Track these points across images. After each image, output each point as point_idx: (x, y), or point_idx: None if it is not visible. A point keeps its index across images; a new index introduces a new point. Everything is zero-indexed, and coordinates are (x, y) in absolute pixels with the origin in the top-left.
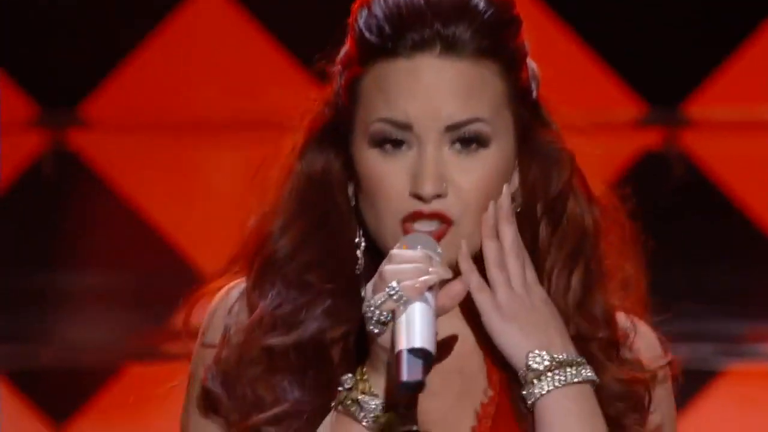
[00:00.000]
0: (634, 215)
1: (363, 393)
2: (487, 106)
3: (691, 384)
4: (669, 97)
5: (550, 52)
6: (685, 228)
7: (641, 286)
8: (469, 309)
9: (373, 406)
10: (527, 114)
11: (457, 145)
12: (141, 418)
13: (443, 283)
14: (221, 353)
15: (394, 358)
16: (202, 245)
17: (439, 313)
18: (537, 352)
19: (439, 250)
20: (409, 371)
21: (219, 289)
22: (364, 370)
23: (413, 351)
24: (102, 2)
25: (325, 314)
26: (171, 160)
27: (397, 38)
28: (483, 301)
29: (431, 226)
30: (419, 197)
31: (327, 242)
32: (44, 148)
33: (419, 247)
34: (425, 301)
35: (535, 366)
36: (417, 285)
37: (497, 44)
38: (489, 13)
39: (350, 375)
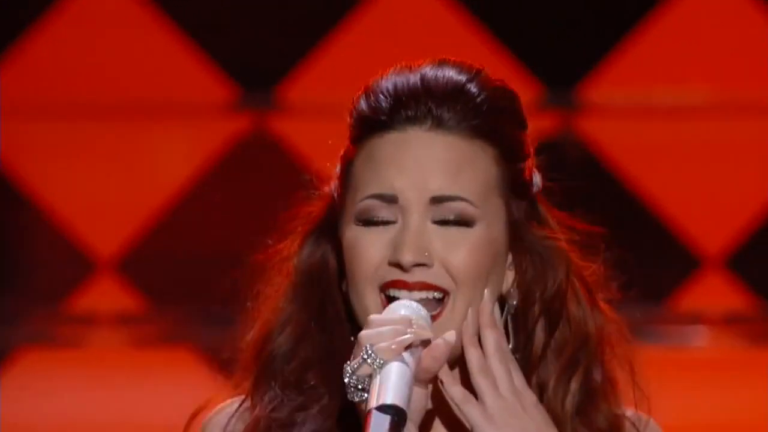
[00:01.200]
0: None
1: None
2: (476, 186)
3: None
4: (565, 80)
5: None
6: (579, 214)
7: (644, 391)
8: (459, 416)
9: None
10: (522, 209)
11: (440, 223)
12: (35, 402)
13: (427, 345)
14: None
15: (364, 421)
16: (95, 228)
17: (423, 375)
18: None
19: (423, 312)
20: (374, 427)
21: (218, 403)
22: None
23: (382, 408)
24: None
25: (322, 414)
26: (64, 143)
27: (391, 113)
28: (470, 411)
29: (427, 296)
30: (399, 266)
31: (325, 339)
32: None
33: (402, 311)
34: (402, 361)
35: None
36: (393, 346)
37: (489, 126)
38: (482, 97)
39: None
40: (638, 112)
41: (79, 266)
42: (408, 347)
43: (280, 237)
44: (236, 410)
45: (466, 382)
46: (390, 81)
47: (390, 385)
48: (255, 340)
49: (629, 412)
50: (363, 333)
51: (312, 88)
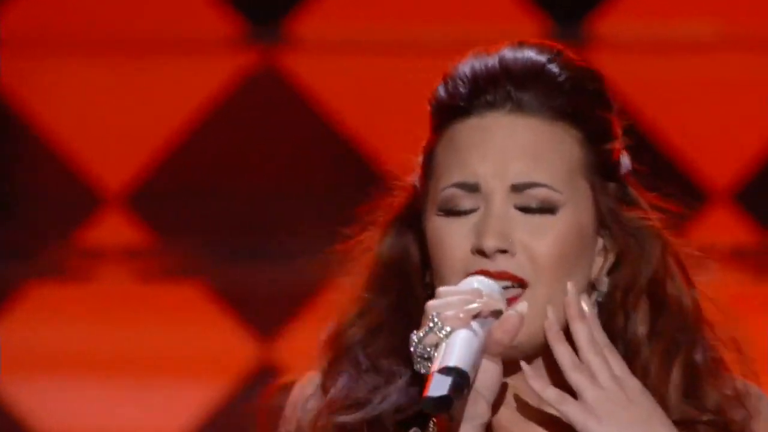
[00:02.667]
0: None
1: None
2: (559, 171)
3: None
4: (573, 13)
5: None
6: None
7: (751, 359)
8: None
9: None
10: (611, 192)
11: (523, 210)
12: (43, 337)
13: (499, 317)
14: None
15: (425, 385)
16: (103, 163)
17: (495, 349)
18: None
19: (497, 287)
20: (433, 387)
21: (294, 380)
22: (432, 421)
23: (443, 370)
24: None
25: (399, 394)
26: (72, 78)
27: (470, 99)
28: (570, 411)
29: (507, 285)
30: (482, 252)
31: (404, 330)
32: None
33: (475, 285)
34: (470, 329)
35: None
36: (461, 315)
37: (571, 107)
38: (563, 77)
39: (417, 429)
40: (648, 47)
41: (87, 201)
42: (476, 317)
43: (361, 228)
44: (314, 391)
45: (556, 377)
46: (467, 65)
47: (455, 349)
48: (331, 330)
49: (739, 383)
50: (430, 302)
51: (323, 20)
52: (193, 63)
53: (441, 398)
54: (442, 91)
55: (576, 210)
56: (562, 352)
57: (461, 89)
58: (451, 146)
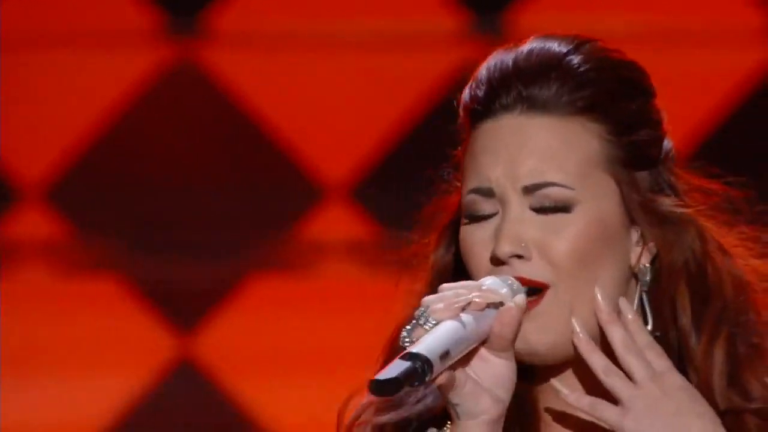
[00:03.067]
0: None
1: None
2: (571, 167)
3: None
4: (493, 6)
5: None
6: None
7: None
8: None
9: None
10: (640, 182)
11: (538, 211)
12: None
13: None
14: None
15: None
16: (20, 157)
17: (499, 344)
18: None
19: (507, 283)
20: (387, 371)
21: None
22: (448, 423)
23: (405, 356)
24: None
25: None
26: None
27: (486, 102)
28: (605, 415)
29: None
30: (498, 260)
31: None
32: None
33: (488, 282)
34: (458, 321)
35: None
36: (453, 306)
37: (589, 101)
38: (582, 69)
39: (434, 429)
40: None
41: (4, 195)
42: (466, 309)
43: (424, 232)
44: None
45: (590, 385)
46: (485, 67)
47: (428, 338)
48: (389, 335)
49: None
50: (425, 298)
51: (242, 14)
52: (111, 56)
53: (387, 380)
54: (466, 94)
55: (595, 206)
56: (595, 360)
57: (479, 93)
58: (471, 151)
